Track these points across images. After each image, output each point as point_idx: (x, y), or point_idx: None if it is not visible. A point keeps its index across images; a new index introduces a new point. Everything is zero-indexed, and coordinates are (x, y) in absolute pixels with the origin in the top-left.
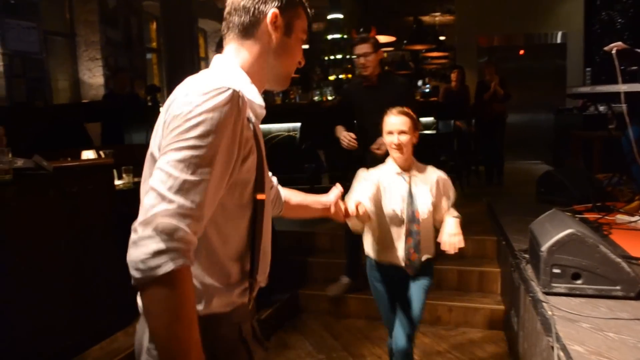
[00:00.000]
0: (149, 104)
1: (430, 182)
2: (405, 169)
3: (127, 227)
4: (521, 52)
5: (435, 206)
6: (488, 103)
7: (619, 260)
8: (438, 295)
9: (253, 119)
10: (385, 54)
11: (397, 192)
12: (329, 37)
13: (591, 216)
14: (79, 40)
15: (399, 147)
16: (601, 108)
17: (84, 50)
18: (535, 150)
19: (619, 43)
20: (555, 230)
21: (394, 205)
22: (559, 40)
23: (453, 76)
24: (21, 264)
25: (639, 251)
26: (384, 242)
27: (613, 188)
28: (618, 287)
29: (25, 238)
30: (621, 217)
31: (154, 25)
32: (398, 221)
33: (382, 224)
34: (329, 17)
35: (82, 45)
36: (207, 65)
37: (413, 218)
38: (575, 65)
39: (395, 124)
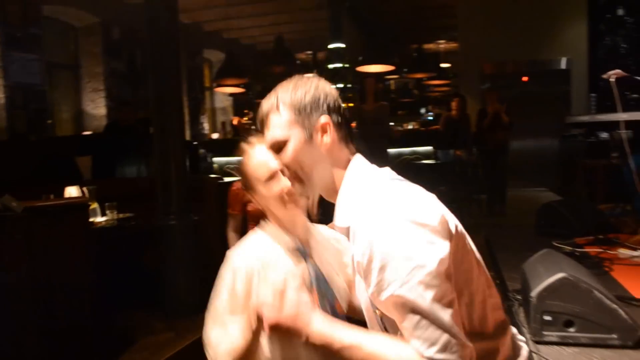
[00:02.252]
0: (142, 136)
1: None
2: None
3: (109, 266)
4: (525, 78)
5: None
6: (491, 131)
7: (615, 306)
8: None
9: None
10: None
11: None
12: (331, 66)
13: (592, 250)
14: (82, 72)
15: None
16: (605, 135)
17: (87, 82)
18: (540, 177)
19: (618, 70)
20: (547, 274)
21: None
22: (563, 66)
23: (453, 104)
24: None
25: None
26: None
27: (616, 219)
28: (614, 336)
29: None
30: (624, 252)
31: None
32: None
33: None
34: (330, 46)
35: (85, 77)
36: (211, 94)
37: (335, 313)
38: (580, 91)
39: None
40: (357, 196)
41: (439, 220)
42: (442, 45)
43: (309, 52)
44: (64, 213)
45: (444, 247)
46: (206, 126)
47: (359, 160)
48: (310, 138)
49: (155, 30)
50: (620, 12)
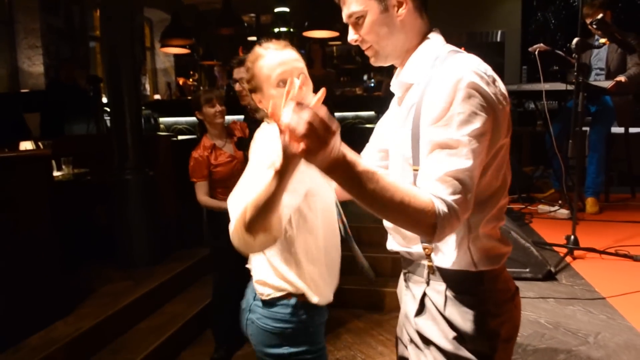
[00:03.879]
0: (90, 94)
1: None
2: None
3: (66, 217)
4: (462, 49)
5: None
6: None
7: (528, 245)
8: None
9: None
10: (334, 49)
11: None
12: (276, 30)
13: (516, 206)
14: (18, 28)
15: None
16: (533, 105)
17: (23, 38)
18: None
19: (541, 45)
20: None
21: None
22: (498, 39)
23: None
24: None
25: (554, 238)
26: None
27: (537, 180)
28: (527, 270)
29: None
30: (542, 207)
31: (98, 13)
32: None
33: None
34: (276, 10)
35: (21, 33)
36: (152, 55)
37: None
38: (513, 62)
39: (291, 61)
40: (427, 60)
41: (490, 94)
42: None
43: (252, 14)
44: (27, 164)
45: (486, 116)
46: (147, 87)
47: (436, 38)
48: (386, 10)
49: None
50: None
